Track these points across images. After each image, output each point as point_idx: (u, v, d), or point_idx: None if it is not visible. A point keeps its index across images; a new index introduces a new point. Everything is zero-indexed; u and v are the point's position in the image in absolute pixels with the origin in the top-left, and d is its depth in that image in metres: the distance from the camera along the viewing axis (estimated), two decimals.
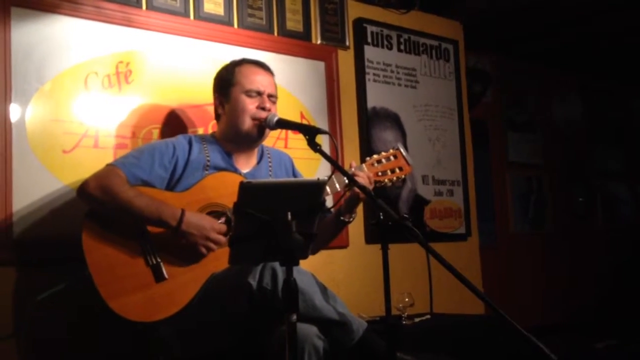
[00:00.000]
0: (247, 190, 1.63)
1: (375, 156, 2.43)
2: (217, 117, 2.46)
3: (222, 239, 2.15)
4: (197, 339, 2.11)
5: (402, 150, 2.44)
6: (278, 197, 1.66)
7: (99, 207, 2.15)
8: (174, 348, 2.14)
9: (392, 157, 2.43)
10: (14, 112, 2.43)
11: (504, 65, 5.51)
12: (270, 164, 2.50)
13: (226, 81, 2.39)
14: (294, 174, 2.61)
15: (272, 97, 2.39)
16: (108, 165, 2.22)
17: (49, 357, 2.43)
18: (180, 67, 2.87)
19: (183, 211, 2.12)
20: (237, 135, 2.37)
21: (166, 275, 2.12)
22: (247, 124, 2.33)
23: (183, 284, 2.13)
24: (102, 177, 2.16)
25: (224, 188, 2.26)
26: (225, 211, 2.21)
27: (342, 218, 2.35)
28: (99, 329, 2.39)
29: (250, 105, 2.34)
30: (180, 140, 2.36)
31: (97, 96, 2.63)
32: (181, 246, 2.14)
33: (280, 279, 1.93)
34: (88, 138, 2.58)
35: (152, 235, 2.15)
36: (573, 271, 5.70)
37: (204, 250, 2.14)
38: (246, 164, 2.44)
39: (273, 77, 2.46)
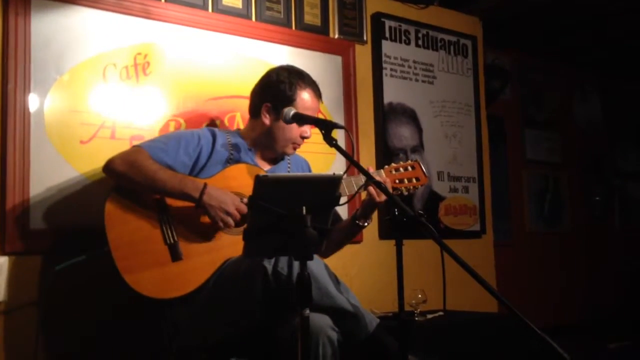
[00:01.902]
0: (263, 183, 1.64)
1: (393, 164, 2.50)
2: (255, 115, 2.47)
3: (239, 216, 2.18)
4: (210, 324, 2.13)
5: (420, 162, 2.50)
6: (293, 191, 1.67)
7: (123, 181, 2.20)
8: (187, 334, 2.16)
9: (409, 168, 2.48)
10: (33, 102, 2.45)
11: (523, 62, 5.47)
12: (289, 165, 2.55)
13: (286, 98, 2.38)
14: None
15: None
16: (135, 146, 2.29)
17: (63, 330, 2.45)
18: (198, 59, 2.87)
19: (205, 184, 2.16)
20: (271, 148, 2.45)
21: (182, 256, 2.16)
22: (289, 148, 2.45)
23: (198, 266, 2.16)
24: (129, 154, 2.24)
25: (245, 179, 2.31)
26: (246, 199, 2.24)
27: (357, 222, 2.39)
28: (114, 314, 2.42)
29: (296, 133, 2.41)
30: (204, 131, 2.41)
31: (115, 87, 2.64)
32: (199, 224, 2.19)
33: (296, 265, 1.96)
34: (105, 129, 2.60)
35: (172, 212, 2.20)
36: (588, 271, 5.65)
37: (221, 223, 2.16)
38: (267, 163, 2.50)
39: (321, 102, 2.51)
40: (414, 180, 2.47)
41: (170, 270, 2.14)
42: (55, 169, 2.47)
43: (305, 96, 2.40)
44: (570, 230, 5.68)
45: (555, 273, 5.41)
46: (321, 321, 1.94)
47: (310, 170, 2.68)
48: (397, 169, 2.47)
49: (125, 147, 2.59)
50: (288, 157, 2.56)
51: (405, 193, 2.48)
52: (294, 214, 1.61)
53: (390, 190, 2.36)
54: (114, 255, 2.09)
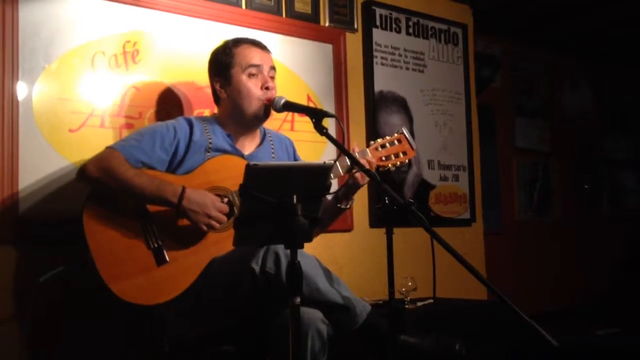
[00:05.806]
0: (253, 172, 1.63)
1: (379, 140, 2.39)
2: (217, 100, 2.43)
3: (224, 217, 2.13)
4: (198, 320, 2.12)
5: (406, 134, 2.40)
6: (284, 180, 1.66)
7: (99, 188, 2.14)
8: (176, 328, 2.16)
9: (396, 142, 2.39)
10: (21, 90, 2.43)
11: (513, 50, 5.47)
12: (272, 146, 2.48)
13: (225, 64, 2.34)
14: (295, 158, 2.60)
15: (273, 70, 2.37)
16: (108, 147, 2.20)
17: (50, 338, 2.44)
18: (188, 47, 2.86)
19: (184, 188, 2.10)
20: (243, 117, 2.34)
21: (167, 259, 2.12)
22: (255, 106, 2.31)
23: (184, 268, 2.12)
24: (102, 159, 2.15)
25: (226, 171, 2.24)
26: (228, 194, 2.20)
27: (339, 205, 2.34)
28: (100, 310, 2.41)
29: (254, 87, 2.31)
30: (180, 122, 2.33)
31: (104, 76, 2.62)
32: (182, 227, 2.13)
33: (284, 262, 1.94)
34: (95, 118, 2.58)
35: (153, 217, 2.15)
36: (577, 259, 5.69)
37: (204, 227, 2.11)
38: (249, 146, 2.42)
39: (271, 54, 2.42)
40: (401, 155, 2.38)
41: (156, 275, 2.09)
42: (44, 158, 2.45)
43: (241, 50, 2.34)
44: (560, 219, 5.71)
45: (545, 261, 5.44)
46: (312, 315, 1.94)
47: (294, 148, 2.60)
48: (383, 145, 2.37)
49: (114, 136, 2.59)
50: (270, 137, 2.48)
51: (393, 169, 2.41)
52: (284, 203, 1.61)
53: (374, 169, 2.27)
54: (97, 265, 2.04)
